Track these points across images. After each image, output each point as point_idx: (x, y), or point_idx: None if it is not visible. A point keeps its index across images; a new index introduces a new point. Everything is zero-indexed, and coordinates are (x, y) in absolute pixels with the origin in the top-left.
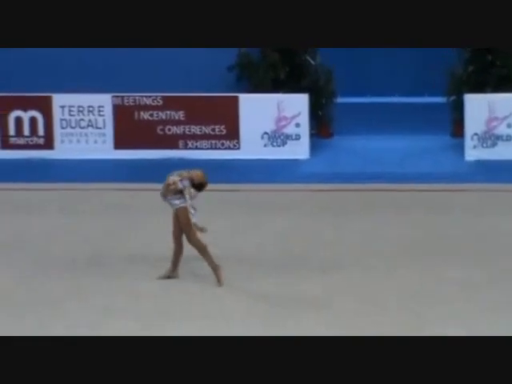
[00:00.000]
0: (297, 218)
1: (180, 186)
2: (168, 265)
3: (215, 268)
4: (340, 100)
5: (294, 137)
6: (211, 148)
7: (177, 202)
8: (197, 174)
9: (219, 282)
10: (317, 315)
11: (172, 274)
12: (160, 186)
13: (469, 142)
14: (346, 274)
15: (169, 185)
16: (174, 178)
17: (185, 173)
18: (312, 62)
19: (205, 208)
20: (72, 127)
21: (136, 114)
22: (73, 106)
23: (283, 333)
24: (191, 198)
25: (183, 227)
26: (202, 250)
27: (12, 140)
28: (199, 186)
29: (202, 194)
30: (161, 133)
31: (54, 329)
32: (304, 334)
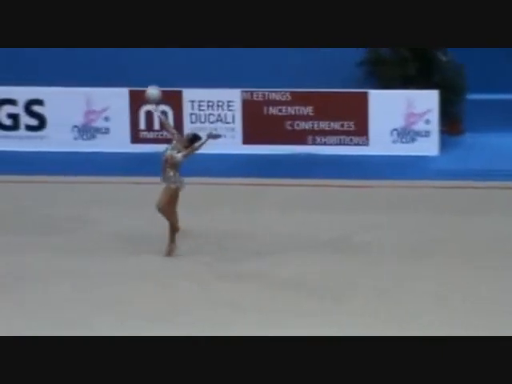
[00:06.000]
0: (427, 215)
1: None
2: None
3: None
4: (471, 96)
5: (423, 133)
6: (340, 144)
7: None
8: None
9: (167, 253)
10: (436, 312)
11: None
12: (289, 182)
13: None
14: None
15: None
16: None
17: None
18: (443, 58)
19: (334, 204)
20: (201, 122)
21: (265, 109)
22: (202, 101)
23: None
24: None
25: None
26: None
27: (142, 134)
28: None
29: (331, 190)
30: (289, 128)
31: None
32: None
